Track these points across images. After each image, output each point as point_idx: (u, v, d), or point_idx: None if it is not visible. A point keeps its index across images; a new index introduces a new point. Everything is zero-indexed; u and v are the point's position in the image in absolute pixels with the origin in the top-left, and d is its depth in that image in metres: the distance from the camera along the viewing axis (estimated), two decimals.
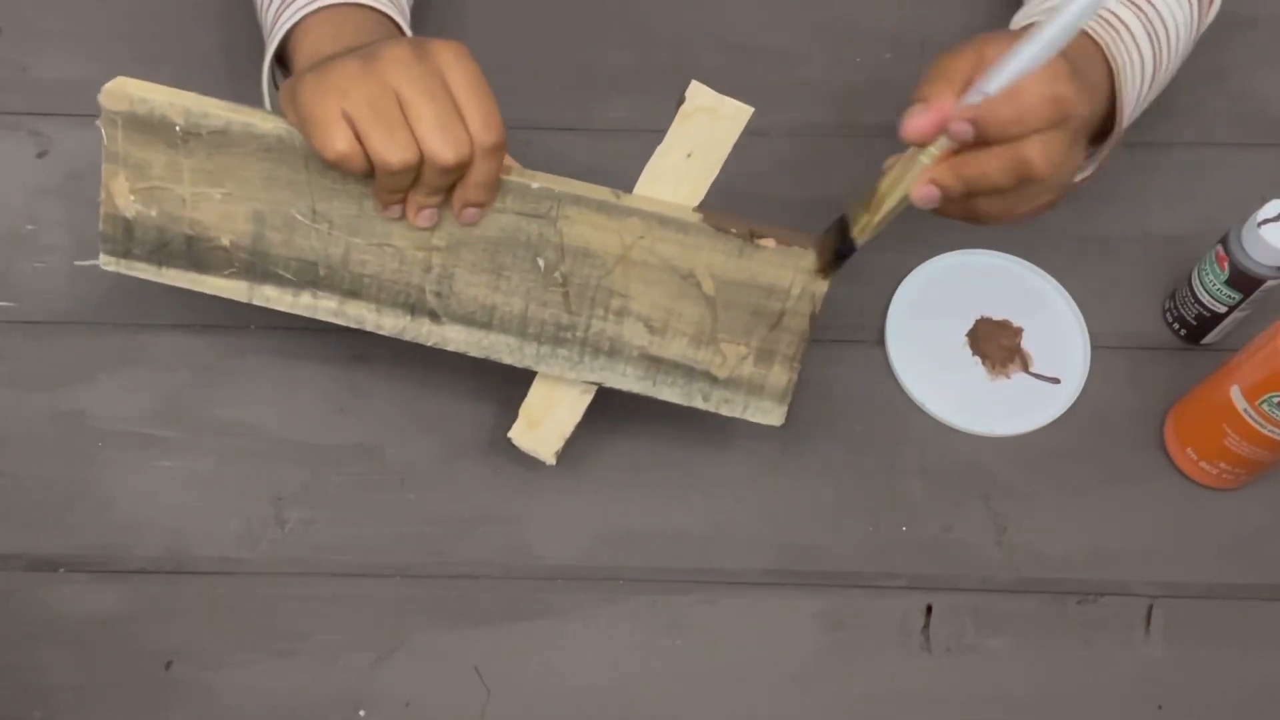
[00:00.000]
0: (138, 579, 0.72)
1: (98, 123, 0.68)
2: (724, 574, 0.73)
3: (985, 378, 0.78)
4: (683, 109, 0.69)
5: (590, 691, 0.70)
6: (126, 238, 0.71)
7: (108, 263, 0.72)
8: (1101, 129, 0.73)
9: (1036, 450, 0.76)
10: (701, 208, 0.68)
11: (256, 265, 0.70)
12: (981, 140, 0.59)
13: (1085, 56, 0.70)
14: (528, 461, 0.75)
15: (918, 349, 0.79)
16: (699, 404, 0.71)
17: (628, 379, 0.70)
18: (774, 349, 0.69)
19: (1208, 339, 0.79)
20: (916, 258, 0.81)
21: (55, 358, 0.77)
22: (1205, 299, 0.76)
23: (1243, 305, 0.75)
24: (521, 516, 0.74)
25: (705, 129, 0.69)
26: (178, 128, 0.67)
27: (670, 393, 0.71)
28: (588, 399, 0.71)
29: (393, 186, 0.64)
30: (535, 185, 0.66)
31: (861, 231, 0.63)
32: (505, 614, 0.71)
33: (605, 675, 0.70)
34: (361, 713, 0.69)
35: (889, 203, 0.62)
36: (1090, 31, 0.71)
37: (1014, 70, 0.58)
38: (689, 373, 0.70)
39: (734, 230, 0.66)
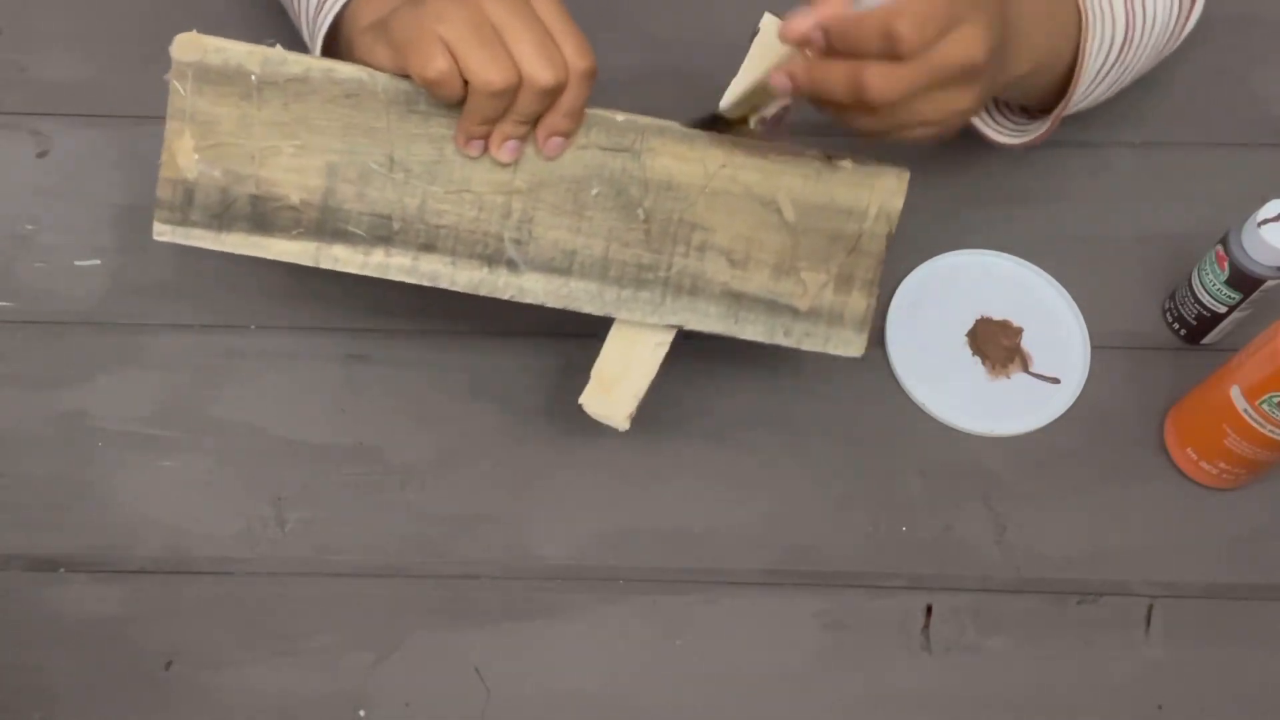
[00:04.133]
0: (138, 579, 0.72)
1: (167, 76, 0.66)
2: (724, 574, 0.73)
3: (985, 378, 0.78)
4: (757, 40, 0.69)
5: (590, 691, 0.70)
6: (186, 203, 0.67)
7: (162, 232, 0.67)
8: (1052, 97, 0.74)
9: (1036, 450, 0.76)
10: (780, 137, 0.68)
11: (326, 223, 0.67)
12: (831, 52, 0.61)
13: (1061, 11, 0.71)
14: (527, 461, 0.75)
15: (918, 349, 0.79)
16: (780, 340, 0.70)
17: (710, 319, 0.69)
18: (852, 274, 0.69)
19: (1208, 339, 0.79)
20: (916, 258, 0.81)
21: (55, 358, 0.77)
22: (1205, 299, 0.76)
23: (1243, 305, 0.75)
24: (521, 516, 0.74)
25: (780, 56, 0.67)
26: (254, 76, 0.65)
27: (753, 330, 0.70)
28: (661, 354, 0.69)
29: (485, 113, 0.63)
30: (620, 118, 0.67)
31: (725, 100, 0.67)
32: (505, 614, 0.71)
33: (605, 675, 0.70)
34: (361, 713, 0.69)
35: (749, 78, 0.65)
36: None
37: None
38: (771, 308, 0.69)
39: (811, 153, 0.67)
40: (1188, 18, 0.81)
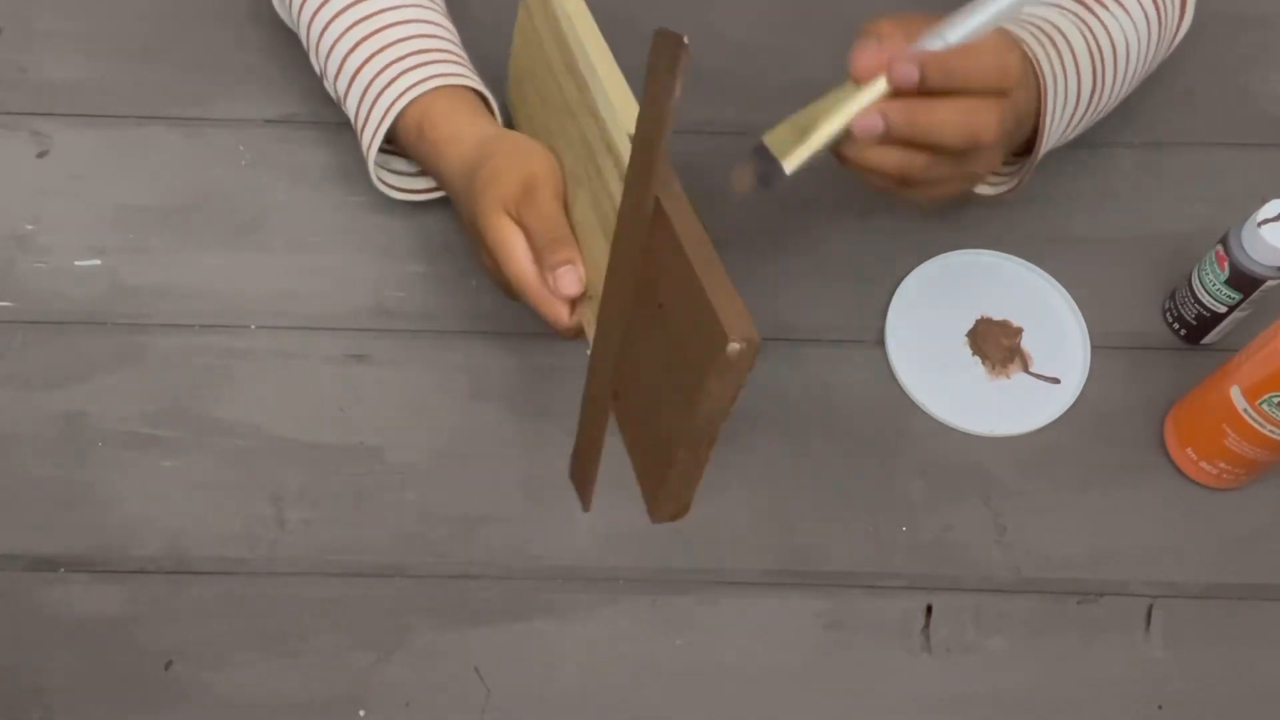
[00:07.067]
0: (138, 579, 0.72)
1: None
2: (724, 574, 0.73)
3: (985, 378, 0.78)
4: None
5: (590, 691, 0.70)
6: None
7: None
8: (1024, 144, 0.74)
9: (1036, 450, 0.76)
10: None
11: None
12: (923, 90, 0.59)
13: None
14: (527, 461, 0.75)
15: (918, 349, 0.79)
16: None
17: None
18: None
19: (1208, 339, 0.79)
20: (916, 258, 0.81)
21: (55, 358, 0.77)
22: (1205, 299, 0.76)
23: (1243, 305, 0.75)
24: (521, 516, 0.74)
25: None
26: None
27: None
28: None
29: None
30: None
31: (792, 157, 0.61)
32: (505, 614, 0.71)
33: (605, 675, 0.70)
34: (361, 713, 0.69)
35: (826, 129, 0.61)
36: (1024, 44, 0.72)
37: (973, 26, 0.59)
38: None
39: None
40: (1178, 27, 0.81)
